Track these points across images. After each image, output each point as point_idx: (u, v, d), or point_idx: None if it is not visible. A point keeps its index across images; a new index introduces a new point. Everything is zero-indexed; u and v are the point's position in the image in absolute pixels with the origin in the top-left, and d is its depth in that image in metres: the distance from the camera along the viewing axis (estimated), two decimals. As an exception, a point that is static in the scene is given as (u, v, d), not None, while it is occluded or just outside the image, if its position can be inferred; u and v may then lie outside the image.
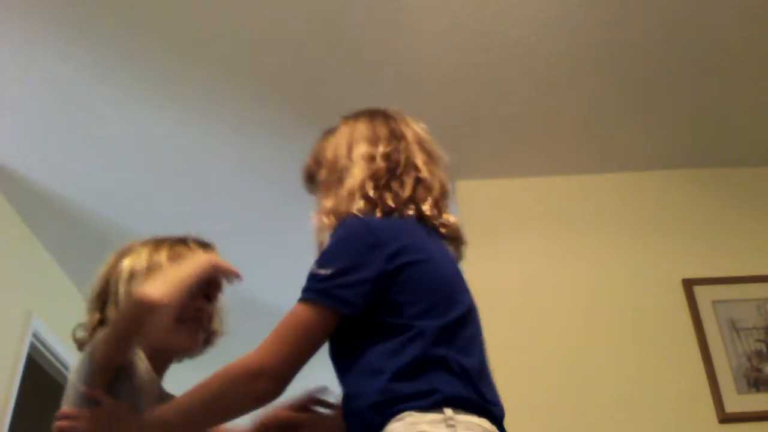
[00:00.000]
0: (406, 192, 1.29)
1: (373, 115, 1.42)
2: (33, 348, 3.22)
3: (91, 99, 2.61)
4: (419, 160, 1.34)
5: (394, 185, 1.29)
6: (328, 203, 1.31)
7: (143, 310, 1.22)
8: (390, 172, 1.30)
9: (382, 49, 2.46)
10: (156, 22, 2.33)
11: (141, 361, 1.33)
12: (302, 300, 1.17)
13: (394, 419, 1.06)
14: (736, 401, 2.56)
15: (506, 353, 2.69)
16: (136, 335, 1.26)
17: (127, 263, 1.41)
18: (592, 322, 2.75)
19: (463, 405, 1.08)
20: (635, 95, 2.67)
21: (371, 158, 1.31)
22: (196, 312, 1.38)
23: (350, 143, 1.36)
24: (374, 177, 1.29)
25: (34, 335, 3.18)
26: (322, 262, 1.20)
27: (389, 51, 2.47)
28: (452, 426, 1.05)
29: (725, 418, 2.53)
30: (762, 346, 2.67)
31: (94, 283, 1.44)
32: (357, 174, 1.30)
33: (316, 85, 2.60)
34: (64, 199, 3.11)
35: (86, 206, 3.14)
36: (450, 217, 1.33)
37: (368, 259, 1.17)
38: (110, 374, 1.26)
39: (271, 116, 2.73)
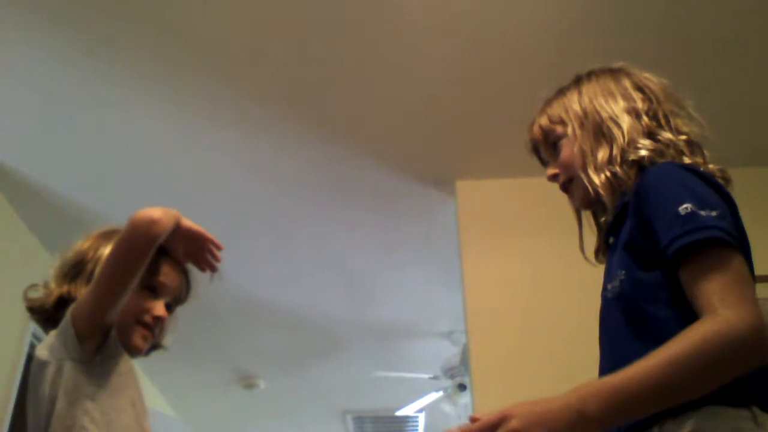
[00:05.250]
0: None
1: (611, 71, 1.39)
2: (33, 348, 3.22)
3: (91, 99, 2.61)
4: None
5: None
6: (601, 155, 1.25)
7: (145, 230, 1.18)
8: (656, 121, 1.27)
9: (382, 49, 2.46)
10: (156, 22, 2.34)
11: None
12: (720, 242, 1.03)
13: None
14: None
15: (506, 352, 2.70)
16: (136, 270, 1.20)
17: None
18: (592, 321, 2.74)
19: None
20: (635, 95, 2.67)
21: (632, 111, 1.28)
22: (154, 319, 1.35)
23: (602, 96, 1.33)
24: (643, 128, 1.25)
25: (34, 335, 3.17)
26: (697, 203, 1.06)
27: (389, 51, 2.47)
28: None
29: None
30: (763, 346, 2.66)
31: (68, 253, 1.41)
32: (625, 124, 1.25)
33: (316, 85, 2.60)
34: (64, 198, 3.11)
35: (86, 205, 3.14)
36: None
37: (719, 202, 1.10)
38: (100, 337, 1.23)
39: (271, 116, 2.73)
